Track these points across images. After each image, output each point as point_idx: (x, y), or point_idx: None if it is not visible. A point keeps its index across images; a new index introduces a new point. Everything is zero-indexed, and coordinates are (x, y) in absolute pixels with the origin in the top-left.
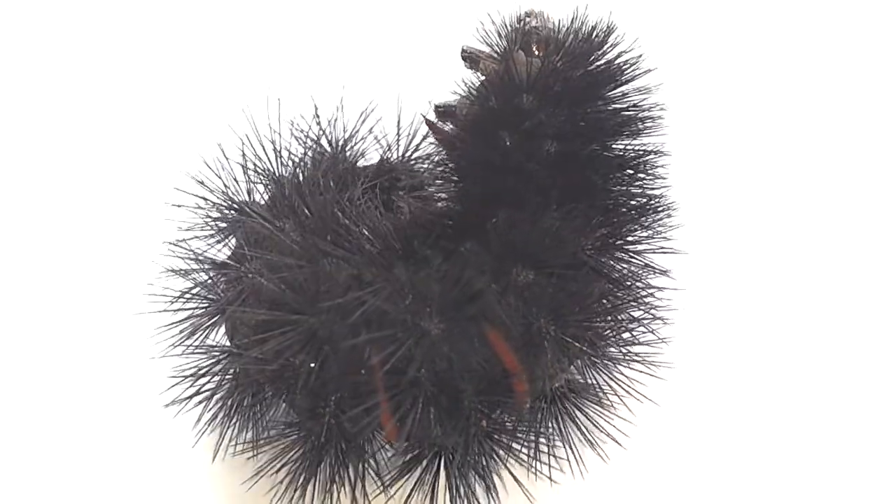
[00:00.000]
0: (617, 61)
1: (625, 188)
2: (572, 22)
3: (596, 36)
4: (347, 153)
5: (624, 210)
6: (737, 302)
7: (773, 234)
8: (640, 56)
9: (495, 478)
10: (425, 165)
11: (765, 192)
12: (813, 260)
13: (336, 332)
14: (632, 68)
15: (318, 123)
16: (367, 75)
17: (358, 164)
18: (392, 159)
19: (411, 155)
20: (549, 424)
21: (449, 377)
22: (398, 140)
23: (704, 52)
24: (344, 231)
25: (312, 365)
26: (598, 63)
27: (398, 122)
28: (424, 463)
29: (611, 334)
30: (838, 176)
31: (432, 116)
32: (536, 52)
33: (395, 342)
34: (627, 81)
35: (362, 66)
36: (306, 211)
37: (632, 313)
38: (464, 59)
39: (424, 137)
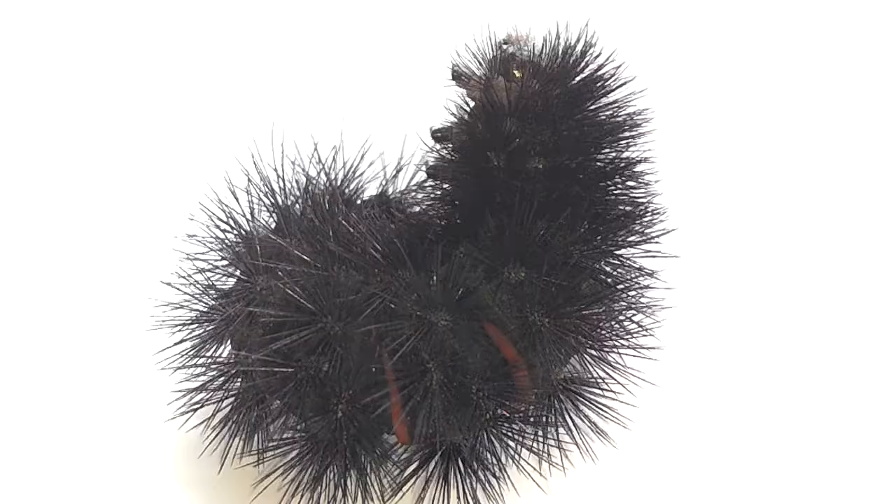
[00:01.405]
0: (595, 75)
1: (611, 197)
2: (549, 43)
3: (572, 54)
4: (346, 189)
5: (610, 217)
6: (723, 294)
7: (760, 232)
8: (619, 66)
9: (507, 472)
10: (421, 194)
11: (753, 192)
12: (795, 256)
13: (347, 330)
14: (611, 81)
15: (319, 161)
16: (367, 111)
17: (357, 201)
18: (390, 193)
19: (409, 189)
20: (556, 416)
21: (456, 369)
22: (396, 175)
23: (688, 54)
24: (351, 239)
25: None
26: (577, 80)
27: (399, 160)
28: (435, 461)
29: (603, 324)
30: (824, 179)
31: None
32: (517, 75)
33: (404, 333)
34: (607, 94)
35: (362, 102)
36: (315, 221)
37: (621, 304)
38: (454, 78)
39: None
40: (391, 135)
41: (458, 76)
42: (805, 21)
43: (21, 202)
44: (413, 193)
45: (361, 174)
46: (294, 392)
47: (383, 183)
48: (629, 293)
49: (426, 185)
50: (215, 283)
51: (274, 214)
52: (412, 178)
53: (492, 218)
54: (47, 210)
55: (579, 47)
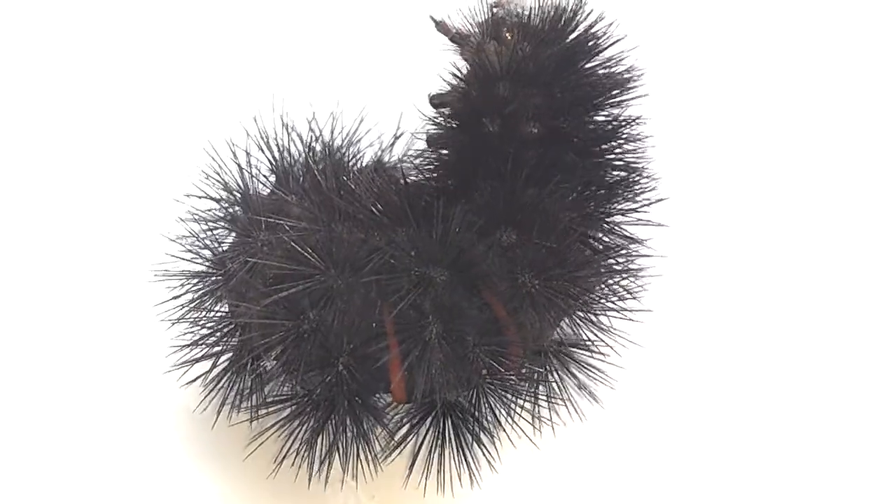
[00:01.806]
0: (587, 34)
1: (604, 163)
2: (539, 5)
3: (562, 15)
4: (345, 155)
5: (603, 184)
6: (709, 262)
7: (748, 201)
8: (610, 25)
9: (503, 428)
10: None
11: (743, 160)
12: (781, 227)
13: (350, 284)
14: (602, 40)
15: (317, 127)
16: (364, 79)
17: (354, 168)
18: (386, 160)
19: (405, 158)
20: (547, 376)
21: (454, 323)
22: (393, 143)
23: (682, 14)
24: (353, 195)
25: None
26: (568, 41)
27: (396, 129)
28: (430, 419)
29: (592, 287)
30: (814, 150)
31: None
32: (508, 38)
33: (404, 287)
34: (598, 53)
35: (359, 71)
36: (318, 177)
37: (610, 268)
38: (452, 40)
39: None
40: (387, 104)
41: (444, 30)
42: None
43: (17, 160)
44: (409, 161)
45: (359, 141)
46: (295, 345)
47: (379, 151)
48: (617, 258)
49: (423, 152)
50: (217, 238)
51: (273, 174)
52: (408, 146)
53: (487, 182)
54: (49, 167)
55: (570, 7)
